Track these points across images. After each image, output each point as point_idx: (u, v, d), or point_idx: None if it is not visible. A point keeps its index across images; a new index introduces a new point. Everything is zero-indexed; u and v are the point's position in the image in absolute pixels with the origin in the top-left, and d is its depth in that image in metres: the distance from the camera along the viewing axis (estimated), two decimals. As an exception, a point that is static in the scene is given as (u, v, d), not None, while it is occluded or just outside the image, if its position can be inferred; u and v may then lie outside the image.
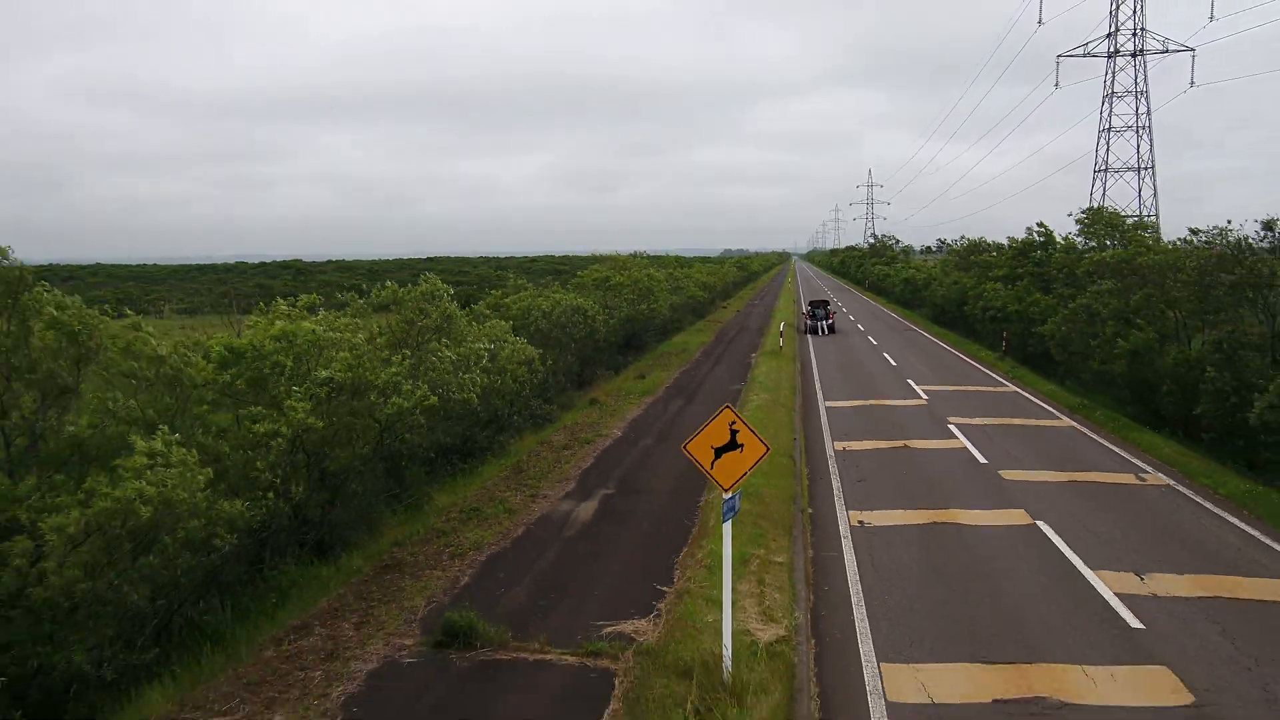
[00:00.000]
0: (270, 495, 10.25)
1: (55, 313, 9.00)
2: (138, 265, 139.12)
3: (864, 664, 9.33)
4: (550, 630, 9.82)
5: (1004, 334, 36.02)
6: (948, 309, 49.25)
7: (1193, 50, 68.14)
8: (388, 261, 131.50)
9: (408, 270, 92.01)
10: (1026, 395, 26.51)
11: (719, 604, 9.31)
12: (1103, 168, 70.27)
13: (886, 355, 36.36)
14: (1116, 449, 19.36)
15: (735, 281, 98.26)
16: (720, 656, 8.58)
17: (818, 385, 28.75)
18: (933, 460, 18.25)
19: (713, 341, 43.28)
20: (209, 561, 9.68)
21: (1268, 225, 20.13)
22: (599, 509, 14.73)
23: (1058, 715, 8.25)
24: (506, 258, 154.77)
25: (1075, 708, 8.36)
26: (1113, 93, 69.85)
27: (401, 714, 8.11)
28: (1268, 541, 13.12)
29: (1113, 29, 69.56)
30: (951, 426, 21.45)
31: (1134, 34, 68.89)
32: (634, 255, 49.53)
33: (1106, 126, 70.20)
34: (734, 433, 8.41)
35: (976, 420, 22.32)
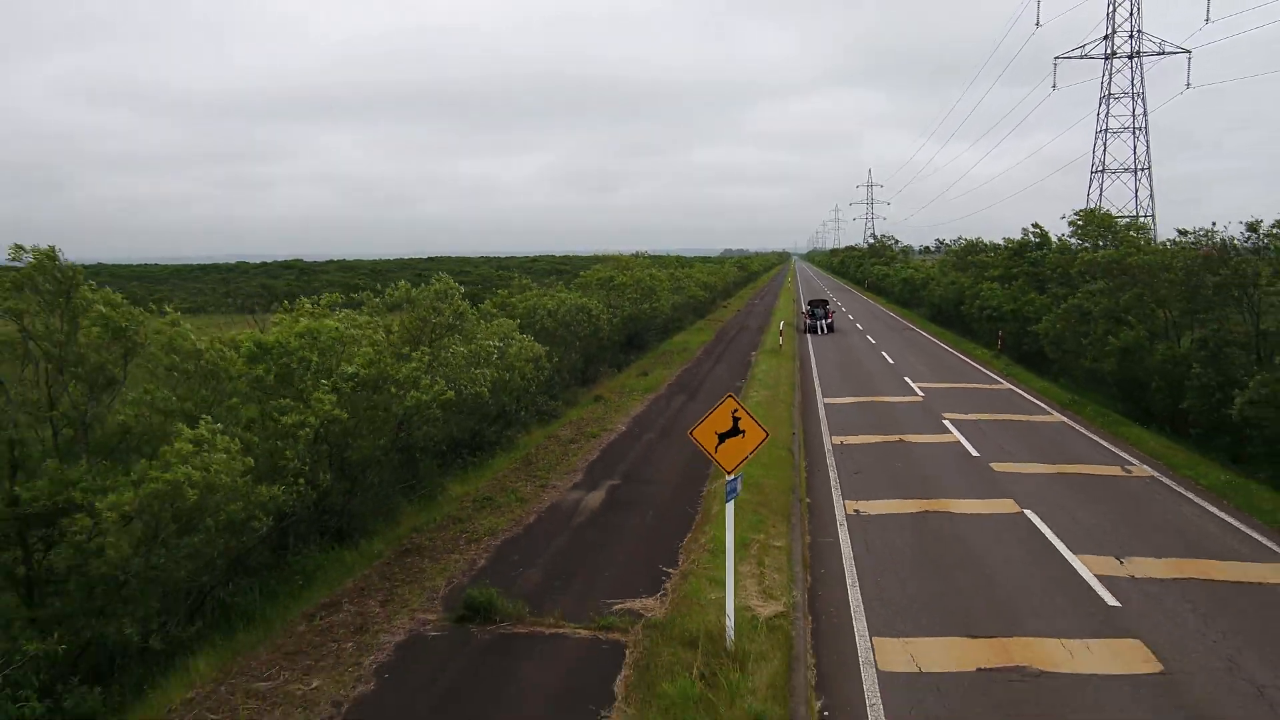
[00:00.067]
0: (301, 482, 10.90)
1: (104, 310, 9.65)
2: (139, 265, 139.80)
3: (857, 638, 10.00)
4: (564, 607, 10.50)
5: (999, 333, 36.72)
6: (945, 308, 49.93)
7: (1189, 52, 68.90)
8: (389, 261, 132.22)
9: (409, 270, 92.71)
10: (1020, 392, 27.18)
11: (722, 584, 9.98)
12: (1100, 169, 70.97)
13: (885, 354, 37.03)
14: (1105, 443, 20.03)
15: (735, 281, 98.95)
16: (724, 628, 9.26)
17: (817, 383, 29.42)
18: (927, 454, 18.92)
19: (713, 340, 43.96)
20: (246, 542, 10.34)
21: (1252, 227, 20.79)
22: (606, 498, 15.41)
23: (1036, 682, 8.92)
24: (507, 257, 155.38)
25: (1052, 675, 9.03)
26: (1109, 94, 70.54)
27: (429, 680, 8.79)
28: (1243, 529, 13.79)
29: (1109, 31, 70.27)
30: (946, 422, 22.11)
31: (1131, 36, 69.59)
32: (636, 255, 50.19)
33: (1103, 128, 70.91)
34: (736, 420, 9.09)
35: (971, 416, 22.98)
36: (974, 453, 18.85)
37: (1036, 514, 14.39)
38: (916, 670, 9.22)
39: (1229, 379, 18.98)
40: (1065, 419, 22.85)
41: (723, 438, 9.15)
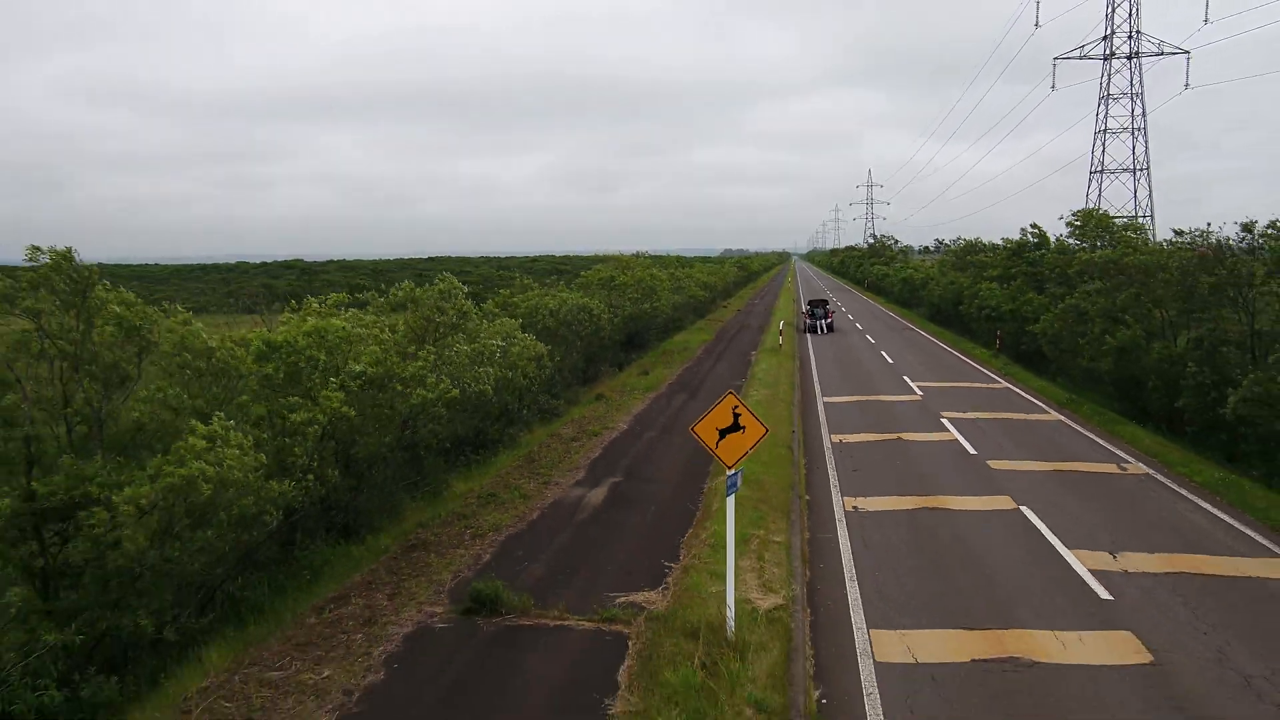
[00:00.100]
0: (310, 478, 11.13)
1: (119, 309, 9.87)
2: (139, 265, 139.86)
3: (855, 630, 10.23)
4: (568, 600, 10.72)
5: (998, 332, 36.94)
6: (944, 308, 50.16)
7: (1188, 53, 69.13)
8: (389, 261, 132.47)
9: (409, 270, 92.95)
10: (1018, 391, 27.41)
11: (722, 578, 10.20)
12: (1098, 169, 71.21)
13: (884, 353, 37.25)
14: (1101, 441, 20.26)
15: (735, 281, 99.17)
16: (724, 620, 9.49)
17: (816, 382, 29.65)
18: (925, 452, 19.14)
19: (714, 340, 44.18)
20: (256, 536, 10.56)
21: (1246, 227, 20.99)
22: (608, 495, 15.63)
23: (1029, 672, 9.15)
24: (507, 257, 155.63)
25: (1045, 666, 9.26)
26: (1108, 95, 70.78)
27: (438, 670, 9.01)
28: (1235, 524, 14.02)
29: (1108, 32, 70.51)
30: (944, 420, 22.34)
31: (1129, 37, 69.82)
32: (637, 255, 50.42)
33: (1102, 128, 71.17)
34: (736, 416, 9.32)
35: (969, 415, 23.21)
36: (971, 451, 19.07)
37: (1032, 510, 14.61)
38: (913, 661, 9.45)
39: (1224, 378, 19.19)
40: (1062, 417, 23.08)
41: (723, 433, 9.38)
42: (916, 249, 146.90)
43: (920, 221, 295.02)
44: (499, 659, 9.24)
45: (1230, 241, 22.32)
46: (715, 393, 26.29)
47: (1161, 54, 69.84)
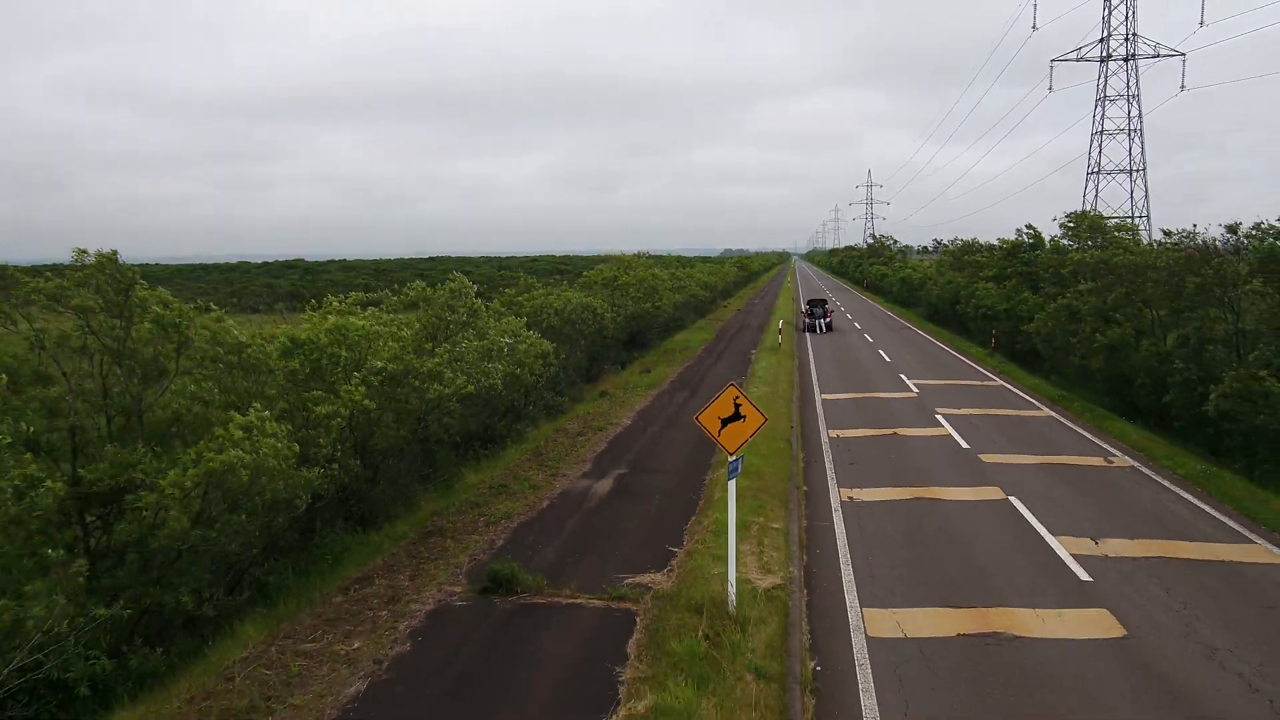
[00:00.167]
0: (335, 467, 11.80)
1: (160, 310, 10.54)
2: (140, 265, 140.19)
3: (849, 608, 10.89)
4: (579, 581, 11.40)
5: (993, 331, 37.62)
6: (942, 308, 50.85)
7: (1183, 55, 69.81)
8: (390, 261, 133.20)
9: (410, 270, 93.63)
10: (1012, 388, 28.08)
11: (724, 560, 10.87)
12: (1095, 170, 71.89)
13: (881, 352, 37.92)
14: (1090, 436, 20.93)
15: (735, 281, 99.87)
16: (726, 597, 10.16)
17: (815, 379, 30.32)
18: (920, 446, 19.81)
19: (714, 339, 44.87)
20: (284, 521, 11.24)
21: (1231, 229, 21.68)
22: (614, 486, 16.30)
23: (1010, 646, 9.82)
24: (507, 257, 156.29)
25: (1025, 640, 9.93)
26: (1105, 96, 71.48)
27: (460, 642, 9.69)
28: (1214, 513, 14.69)
29: (1105, 34, 71.18)
30: (939, 416, 23.00)
31: (1126, 39, 70.50)
32: (639, 255, 51.10)
33: (1099, 129, 71.85)
34: (737, 406, 10.00)
35: (963, 411, 23.88)
36: (964, 445, 19.73)
37: (1020, 500, 15.28)
38: (902, 636, 10.11)
39: (1210, 375, 19.86)
40: (1054, 413, 23.75)
41: (725, 422, 10.07)
42: (915, 249, 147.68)
43: (919, 221, 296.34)
44: (516, 632, 9.91)
45: (1216, 242, 23.02)
46: (716, 390, 26.89)
47: (1157, 56, 70.57)
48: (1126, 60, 70.69)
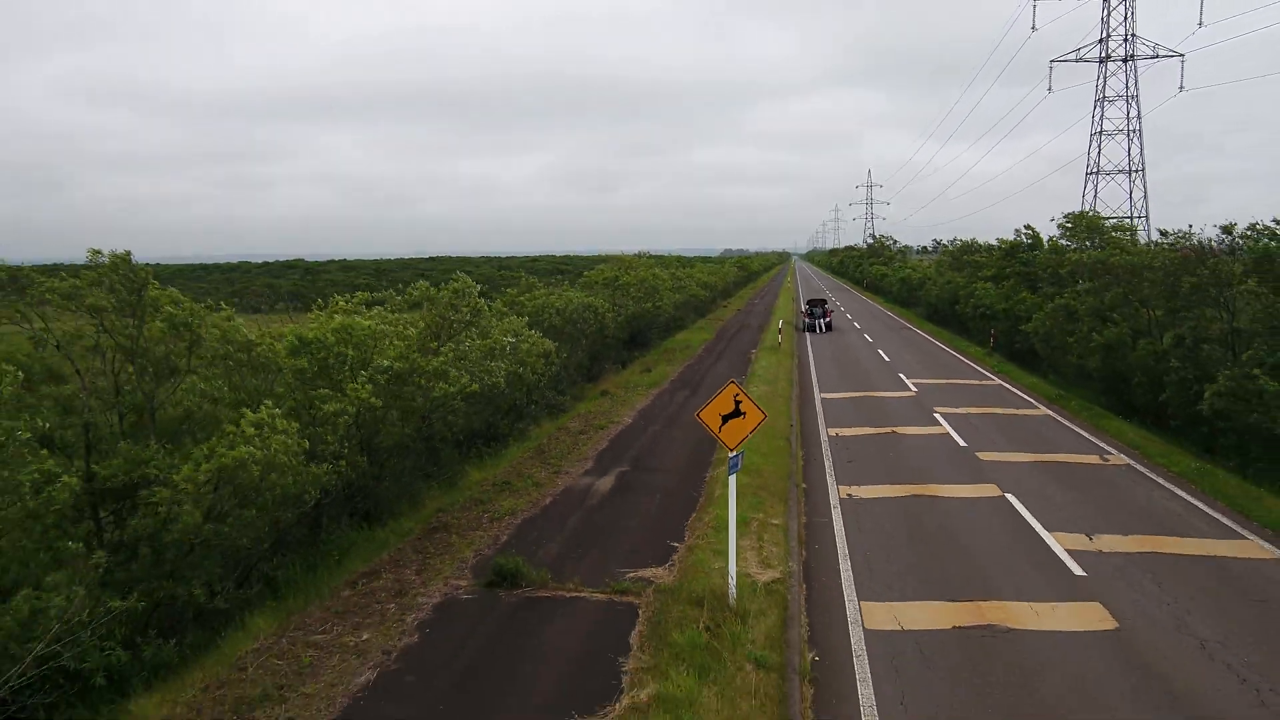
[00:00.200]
0: (342, 464, 12.02)
1: (171, 309, 10.76)
2: (140, 265, 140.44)
3: (847, 602, 11.12)
4: (582, 575, 11.63)
5: (992, 331, 37.84)
6: (941, 307, 51.07)
7: (1182, 56, 69.97)
8: (390, 261, 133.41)
9: (410, 270, 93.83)
10: (1010, 388, 28.30)
11: (725, 555, 11.10)
12: (1094, 170, 72.08)
13: (881, 351, 38.15)
14: (1087, 434, 21.15)
15: (736, 281, 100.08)
16: (727, 590, 10.38)
17: (814, 379, 30.55)
18: (918, 444, 20.03)
19: (714, 338, 45.09)
20: (293, 516, 11.45)
21: (1226, 229, 21.89)
22: (616, 483, 16.53)
23: (1004, 638, 10.05)
24: (507, 257, 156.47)
25: (1019, 632, 10.16)
26: (1104, 97, 71.65)
27: (467, 634, 9.91)
28: (1207, 510, 14.91)
29: (1104, 35, 71.37)
30: (937, 415, 23.23)
31: (1125, 40, 70.69)
32: (639, 255, 51.32)
33: (1098, 130, 72.00)
34: (737, 403, 10.23)
35: (961, 410, 24.10)
36: (962, 443, 19.96)
37: (1016, 497, 15.51)
38: (899, 628, 10.34)
39: (1205, 374, 20.07)
40: (1051, 412, 23.98)
41: (725, 419, 10.29)
42: (915, 249, 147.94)
43: (919, 221, 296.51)
44: (521, 625, 10.13)
45: (1212, 243, 23.24)
46: (716, 389, 27.09)
47: (1156, 57, 70.72)
48: (1125, 61, 70.88)
